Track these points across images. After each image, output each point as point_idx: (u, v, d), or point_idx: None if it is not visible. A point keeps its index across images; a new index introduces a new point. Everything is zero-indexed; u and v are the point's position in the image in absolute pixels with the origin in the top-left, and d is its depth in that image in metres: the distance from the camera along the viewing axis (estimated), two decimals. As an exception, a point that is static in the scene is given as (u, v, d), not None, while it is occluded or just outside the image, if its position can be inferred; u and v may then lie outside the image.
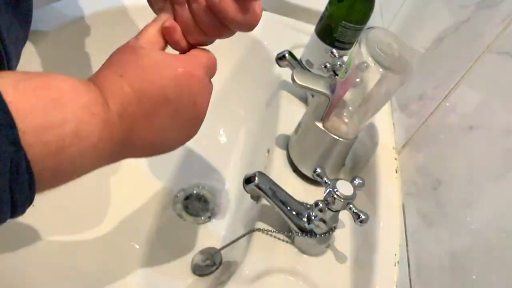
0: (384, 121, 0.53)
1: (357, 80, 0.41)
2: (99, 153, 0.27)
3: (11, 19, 0.35)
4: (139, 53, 0.30)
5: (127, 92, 0.29)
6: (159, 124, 0.31)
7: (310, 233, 0.42)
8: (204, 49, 0.35)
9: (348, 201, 0.38)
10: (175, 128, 0.33)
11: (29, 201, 0.24)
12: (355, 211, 0.39)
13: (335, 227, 0.42)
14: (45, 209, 0.51)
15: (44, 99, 0.24)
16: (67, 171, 0.26)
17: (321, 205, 0.39)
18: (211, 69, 0.34)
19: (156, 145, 0.33)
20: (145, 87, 0.29)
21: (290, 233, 0.43)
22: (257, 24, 0.32)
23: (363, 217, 0.38)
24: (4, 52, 0.34)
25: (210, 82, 0.34)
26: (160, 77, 0.30)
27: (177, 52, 0.34)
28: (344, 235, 0.47)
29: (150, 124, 0.30)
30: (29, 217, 0.50)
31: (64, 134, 0.24)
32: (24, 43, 0.39)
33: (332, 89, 0.45)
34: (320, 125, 0.47)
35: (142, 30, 0.33)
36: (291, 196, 0.43)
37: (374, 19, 0.56)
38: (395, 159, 0.49)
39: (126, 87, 0.29)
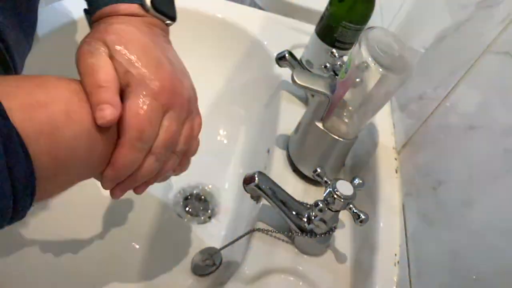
0: (384, 121, 0.53)
1: (357, 80, 0.41)
2: (94, 139, 0.28)
3: (18, 33, 0.36)
4: None
5: None
6: None
7: (310, 233, 0.42)
8: None
9: (348, 201, 0.38)
10: None
11: (30, 186, 0.23)
12: (355, 211, 0.39)
13: (335, 227, 0.42)
14: (45, 209, 0.51)
15: (28, 84, 0.25)
16: (64, 157, 0.26)
17: (321, 205, 0.39)
18: None
19: None
20: None
21: (290, 233, 0.43)
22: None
23: (363, 217, 0.38)
24: (13, 65, 0.35)
25: None
26: None
27: None
28: (344, 235, 0.47)
29: None
30: (30, 217, 0.50)
31: (54, 114, 0.25)
32: (28, 52, 0.40)
33: (332, 89, 0.45)
34: (320, 125, 0.47)
35: None
36: (291, 196, 0.43)
37: (374, 19, 0.56)
38: (395, 159, 0.49)
39: None
